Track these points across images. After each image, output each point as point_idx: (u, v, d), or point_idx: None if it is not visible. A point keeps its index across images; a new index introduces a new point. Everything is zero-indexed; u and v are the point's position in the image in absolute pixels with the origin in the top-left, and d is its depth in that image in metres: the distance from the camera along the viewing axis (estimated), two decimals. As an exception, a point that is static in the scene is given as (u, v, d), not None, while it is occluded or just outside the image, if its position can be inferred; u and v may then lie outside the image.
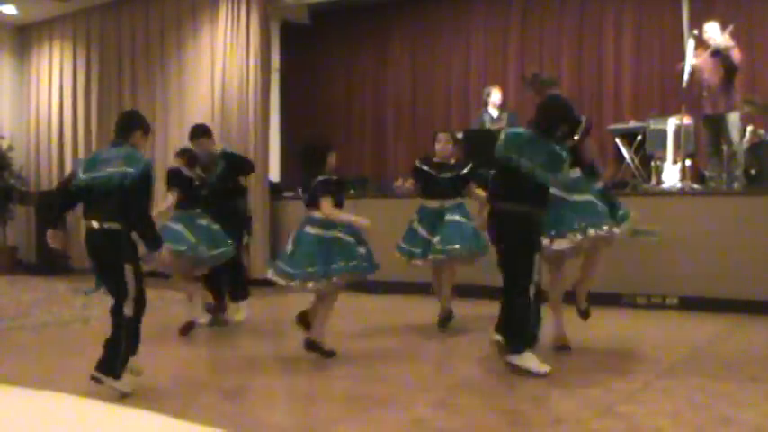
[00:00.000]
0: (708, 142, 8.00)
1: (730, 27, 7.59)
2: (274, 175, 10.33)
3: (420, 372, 4.94)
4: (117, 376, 4.21)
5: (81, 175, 4.35)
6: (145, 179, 4.29)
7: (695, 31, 7.90)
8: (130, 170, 4.23)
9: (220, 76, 9.90)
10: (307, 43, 11.44)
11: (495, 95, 9.10)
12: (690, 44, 7.88)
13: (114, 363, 4.21)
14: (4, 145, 11.76)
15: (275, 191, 9.78)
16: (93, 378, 4.17)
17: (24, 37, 12.45)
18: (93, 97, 11.54)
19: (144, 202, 4.45)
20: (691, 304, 6.97)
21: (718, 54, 7.58)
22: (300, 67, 11.53)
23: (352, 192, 9.42)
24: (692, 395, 4.16)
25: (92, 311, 6.99)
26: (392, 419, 3.89)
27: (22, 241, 11.96)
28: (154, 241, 4.42)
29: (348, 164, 11.57)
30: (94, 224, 4.26)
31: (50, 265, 10.66)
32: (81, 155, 11.47)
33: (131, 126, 4.55)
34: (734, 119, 7.66)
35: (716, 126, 7.77)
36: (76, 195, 4.42)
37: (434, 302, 6.88)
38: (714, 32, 7.68)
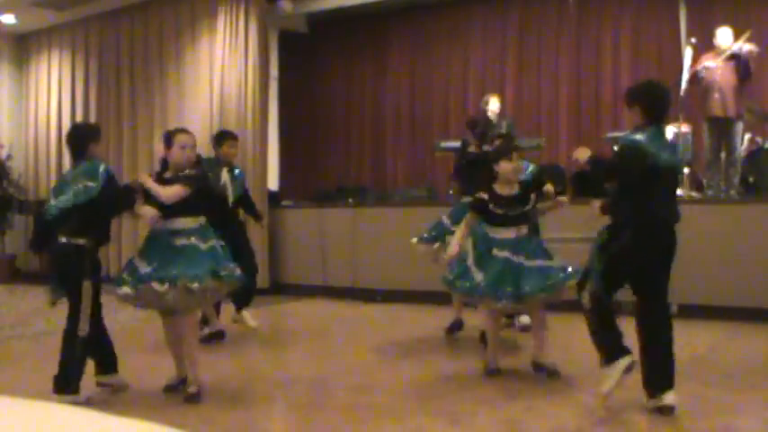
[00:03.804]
0: (709, 147, 7.90)
1: (747, 34, 7.56)
2: (273, 184, 10.33)
3: (420, 381, 4.93)
4: (74, 391, 4.25)
5: (51, 202, 4.44)
6: (110, 184, 4.41)
7: (693, 40, 7.92)
8: (92, 184, 4.32)
9: (219, 84, 9.92)
10: (305, 52, 11.47)
11: (494, 104, 9.11)
12: (687, 53, 7.89)
13: (70, 379, 4.27)
14: (3, 154, 11.76)
15: (273, 200, 9.78)
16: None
17: (23, 46, 12.47)
18: (91, 106, 11.55)
19: (120, 202, 4.61)
20: (690, 312, 6.95)
21: (736, 58, 7.55)
22: (299, 76, 11.55)
23: (350, 200, 9.44)
24: (691, 403, 4.15)
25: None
26: (392, 429, 3.88)
27: (20, 250, 11.94)
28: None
29: (347, 173, 11.61)
30: (62, 239, 4.34)
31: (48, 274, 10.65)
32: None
33: (82, 143, 4.51)
34: (739, 126, 7.67)
35: (722, 129, 7.68)
36: (53, 223, 4.42)
37: (433, 311, 6.89)
38: (727, 38, 7.65)
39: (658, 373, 4.01)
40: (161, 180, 4.52)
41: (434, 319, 6.97)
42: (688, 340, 6.16)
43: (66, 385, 4.25)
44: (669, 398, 3.92)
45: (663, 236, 4.08)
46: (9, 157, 11.78)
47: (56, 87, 11.97)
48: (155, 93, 10.77)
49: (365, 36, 11.64)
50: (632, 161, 4.01)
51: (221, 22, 9.93)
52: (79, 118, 11.63)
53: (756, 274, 6.70)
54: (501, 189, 4.97)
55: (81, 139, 4.51)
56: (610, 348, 4.08)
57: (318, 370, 5.31)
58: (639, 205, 4.02)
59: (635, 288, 4.21)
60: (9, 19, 11.49)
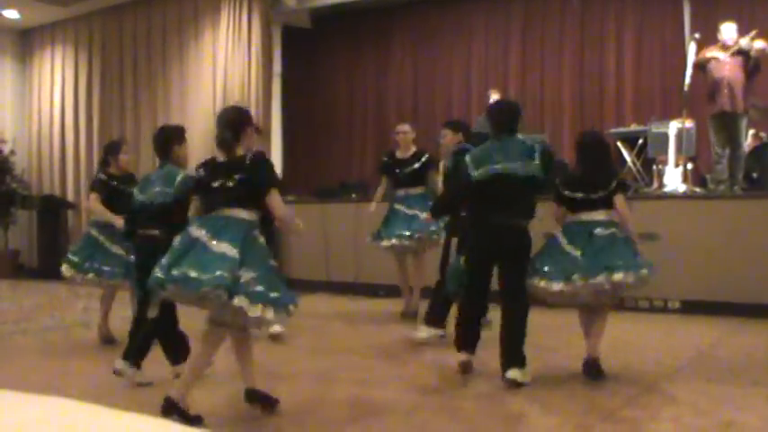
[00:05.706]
0: (714, 143, 7.84)
1: (754, 32, 7.51)
2: (276, 179, 10.32)
3: (423, 376, 4.93)
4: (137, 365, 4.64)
5: (137, 196, 4.83)
6: (180, 195, 4.56)
7: (696, 35, 7.89)
8: (169, 190, 4.62)
9: (222, 80, 9.92)
10: (308, 47, 11.45)
11: (495, 99, 9.11)
12: (691, 48, 7.86)
13: (135, 353, 4.63)
14: (7, 149, 11.79)
15: (277, 195, 9.76)
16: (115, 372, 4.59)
17: (27, 41, 12.49)
18: (94, 101, 11.57)
19: (182, 215, 4.47)
20: (693, 308, 6.97)
21: (744, 54, 7.52)
22: (302, 72, 11.54)
23: (353, 196, 9.43)
24: (694, 399, 4.15)
25: (93, 316, 6.98)
26: (394, 425, 3.89)
27: (23, 245, 11.97)
28: None
29: (350, 168, 11.60)
30: (151, 232, 4.65)
31: (52, 269, 10.67)
32: (83, 159, 11.52)
33: (166, 143, 4.80)
34: (745, 122, 7.64)
35: (728, 125, 7.65)
36: (137, 214, 4.81)
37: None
38: (731, 33, 7.61)
39: (508, 352, 4.51)
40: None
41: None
42: (691, 336, 6.17)
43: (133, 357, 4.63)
44: (512, 373, 4.43)
45: (495, 238, 4.57)
46: (12, 152, 11.81)
47: (59, 82, 11.98)
48: (157, 88, 10.78)
49: (368, 31, 11.63)
50: (457, 172, 4.93)
51: (224, 17, 9.93)
52: (82, 113, 11.65)
53: (760, 270, 6.69)
54: None
55: (164, 141, 4.80)
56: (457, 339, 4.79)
57: (321, 365, 5.31)
58: (473, 210, 4.72)
59: (498, 281, 4.69)
60: (12, 14, 11.51)
